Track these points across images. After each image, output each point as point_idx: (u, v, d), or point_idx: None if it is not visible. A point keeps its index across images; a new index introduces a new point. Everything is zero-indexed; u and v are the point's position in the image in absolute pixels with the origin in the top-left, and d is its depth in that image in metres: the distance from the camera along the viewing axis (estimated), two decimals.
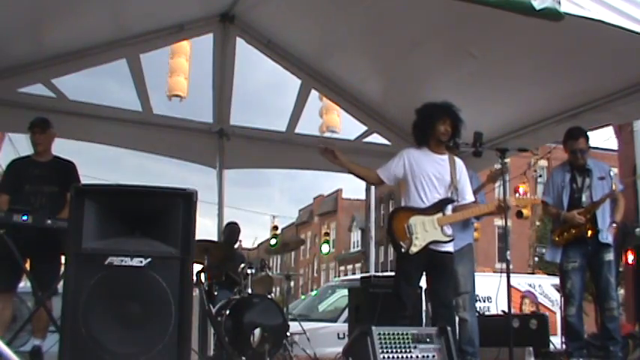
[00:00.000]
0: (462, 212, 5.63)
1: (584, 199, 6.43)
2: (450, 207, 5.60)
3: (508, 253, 5.54)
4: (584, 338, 6.42)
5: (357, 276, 12.15)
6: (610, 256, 6.34)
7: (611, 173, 6.51)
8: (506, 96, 7.28)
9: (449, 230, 5.52)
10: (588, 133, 6.55)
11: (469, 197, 5.70)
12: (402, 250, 5.36)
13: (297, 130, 8.71)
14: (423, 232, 5.41)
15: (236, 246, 9.04)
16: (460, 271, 6.29)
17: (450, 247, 5.52)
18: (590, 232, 6.31)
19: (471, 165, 6.14)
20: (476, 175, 6.46)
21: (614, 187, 6.40)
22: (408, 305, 5.32)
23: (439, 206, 5.52)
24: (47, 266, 5.57)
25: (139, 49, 7.39)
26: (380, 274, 8.95)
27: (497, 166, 6.11)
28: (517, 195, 6.21)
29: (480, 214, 5.90)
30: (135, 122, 7.96)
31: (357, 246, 54.06)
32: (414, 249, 5.35)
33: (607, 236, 6.33)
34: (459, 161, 5.73)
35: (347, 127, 9.31)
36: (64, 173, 5.98)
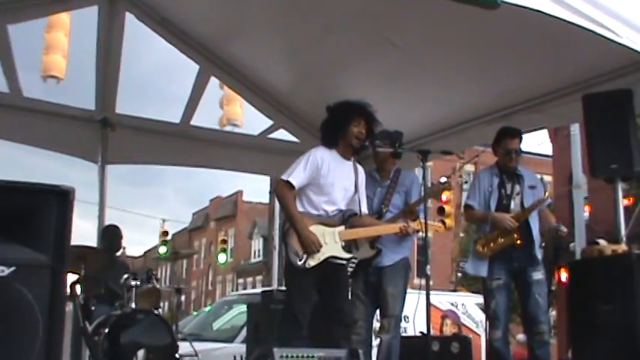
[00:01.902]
0: (366, 229, 5.88)
1: (512, 206, 6.52)
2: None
3: (428, 267, 5.63)
4: None
5: (258, 290, 12.13)
6: (539, 274, 6.41)
7: (543, 182, 6.71)
8: (431, 92, 7.38)
9: (348, 249, 5.73)
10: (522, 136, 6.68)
11: (364, 209, 5.92)
12: (298, 262, 5.48)
13: (193, 122, 8.65)
14: (323, 245, 5.56)
15: (118, 253, 8.88)
16: (390, 291, 6.38)
17: (343, 261, 5.70)
18: (519, 242, 6.37)
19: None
20: (418, 180, 6.56)
21: (547, 194, 6.59)
22: (304, 324, 5.41)
23: (341, 218, 5.71)
24: None
25: (6, 18, 7.15)
26: (284, 288, 8.97)
27: (443, 179, 6.31)
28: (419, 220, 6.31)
29: (384, 233, 6.15)
30: (0, 105, 7.72)
31: (259, 256, 53.95)
32: (311, 262, 5.49)
33: (538, 251, 6.43)
34: (360, 169, 5.93)
35: (250, 120, 9.32)
36: None
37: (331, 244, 5.59)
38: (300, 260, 5.47)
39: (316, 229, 5.55)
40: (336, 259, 5.61)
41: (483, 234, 6.56)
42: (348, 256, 5.69)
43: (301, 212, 5.61)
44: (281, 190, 5.60)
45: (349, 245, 5.84)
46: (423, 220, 5.74)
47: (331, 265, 5.57)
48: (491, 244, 6.46)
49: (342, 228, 5.68)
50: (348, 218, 5.73)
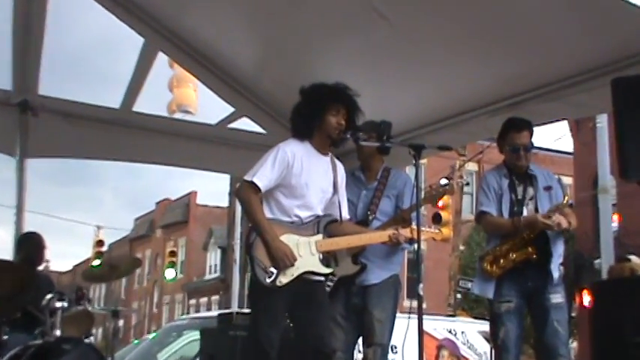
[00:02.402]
0: (348, 239, 5.89)
1: (525, 213, 6.49)
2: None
3: (421, 286, 5.61)
4: None
5: (214, 312, 12.11)
6: (558, 297, 6.38)
7: (561, 182, 6.70)
8: (426, 75, 7.38)
9: (327, 262, 5.76)
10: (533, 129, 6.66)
11: (345, 215, 5.96)
12: (267, 279, 5.47)
13: (136, 108, 8.63)
14: (298, 258, 5.56)
15: (40, 267, 8.80)
16: (376, 315, 6.42)
17: (320, 278, 5.72)
18: (535, 257, 6.34)
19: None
20: (411, 182, 6.55)
21: (566, 198, 6.53)
22: (271, 354, 5.43)
23: (318, 225, 5.73)
24: None
25: None
26: (247, 310, 8.97)
27: (444, 180, 6.29)
28: (425, 226, 6.28)
29: (370, 243, 6.18)
30: None
31: (215, 271, 53.93)
32: (283, 279, 5.50)
33: (557, 269, 6.39)
34: (340, 166, 5.97)
35: (206, 107, 9.32)
36: None
37: (307, 256, 5.59)
38: (270, 277, 5.46)
39: (288, 239, 5.55)
40: (313, 275, 5.62)
41: (491, 248, 6.53)
42: (327, 270, 5.72)
43: (270, 219, 5.60)
44: (244, 193, 5.58)
45: (328, 258, 5.86)
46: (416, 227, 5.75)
47: (306, 283, 5.58)
48: (501, 261, 6.42)
49: (319, 237, 5.68)
50: (326, 225, 5.75)
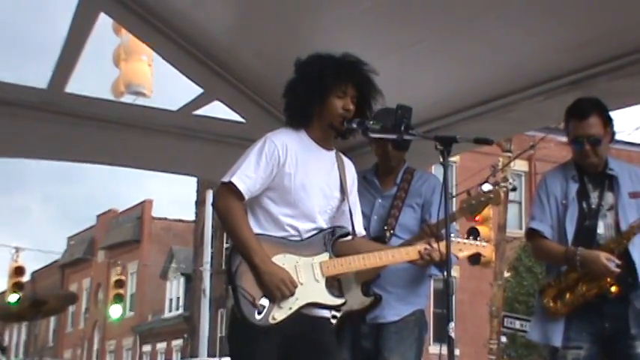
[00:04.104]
0: (364, 258, 5.77)
1: (601, 229, 6.43)
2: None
3: (452, 326, 5.64)
4: None
5: None
6: None
7: None
8: (458, 45, 7.38)
9: (337, 290, 5.73)
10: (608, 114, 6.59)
11: (360, 228, 5.94)
12: (257, 316, 5.42)
13: (69, 89, 8.56)
14: (298, 285, 5.50)
15: None
16: None
17: (325, 312, 5.67)
18: (614, 290, 6.25)
19: None
20: (440, 185, 6.58)
21: None
22: None
23: (324, 240, 5.67)
24: None
25: None
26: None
27: (486, 186, 6.24)
28: (464, 237, 6.28)
29: (394, 263, 6.07)
30: None
31: (177, 307, 54.06)
32: (278, 315, 5.44)
33: None
34: (348, 163, 5.95)
35: (165, 87, 9.33)
36: None
37: (309, 283, 5.52)
38: (260, 313, 5.39)
39: (285, 261, 5.50)
40: (317, 309, 5.56)
41: (553, 278, 6.51)
42: (337, 302, 5.62)
43: (258, 235, 5.54)
44: (224, 200, 5.55)
45: (336, 285, 5.83)
46: (458, 240, 5.75)
47: (308, 320, 5.53)
48: (568, 295, 6.38)
49: (324, 257, 5.62)
50: (335, 240, 5.69)
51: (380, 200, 6.65)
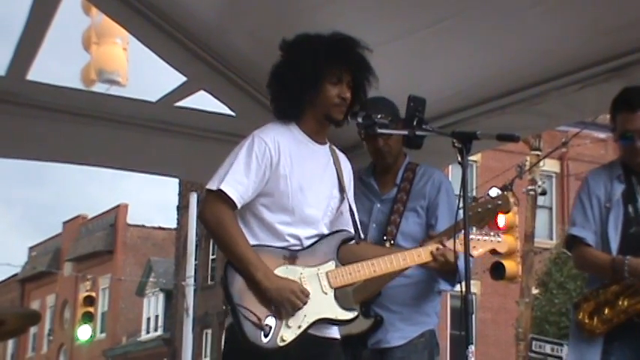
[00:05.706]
0: (374, 264, 5.76)
1: None
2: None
3: (471, 350, 5.63)
4: None
5: None
6: None
7: None
8: (479, 28, 7.35)
9: (348, 304, 5.70)
10: None
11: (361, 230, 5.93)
12: (263, 338, 5.38)
13: (32, 76, 8.56)
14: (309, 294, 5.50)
15: None
16: None
17: (336, 332, 5.66)
18: None
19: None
20: (447, 186, 6.57)
21: None
22: None
23: (327, 248, 5.66)
24: None
25: None
26: None
27: (493, 192, 6.19)
28: (476, 232, 6.24)
29: (405, 267, 6.04)
30: None
31: (156, 328, 54.16)
32: (287, 335, 5.40)
33: None
34: (343, 158, 5.96)
35: (143, 74, 9.31)
36: None
37: (317, 297, 5.51)
38: (267, 335, 5.36)
39: (287, 273, 5.49)
40: (326, 327, 5.56)
41: (591, 291, 6.51)
42: (349, 316, 5.60)
43: (254, 247, 5.50)
44: (213, 211, 5.52)
45: (345, 296, 5.80)
46: (471, 237, 5.71)
47: (316, 342, 5.51)
48: (606, 311, 6.34)
49: (330, 265, 5.61)
50: (340, 245, 5.69)
51: (379, 205, 6.64)
